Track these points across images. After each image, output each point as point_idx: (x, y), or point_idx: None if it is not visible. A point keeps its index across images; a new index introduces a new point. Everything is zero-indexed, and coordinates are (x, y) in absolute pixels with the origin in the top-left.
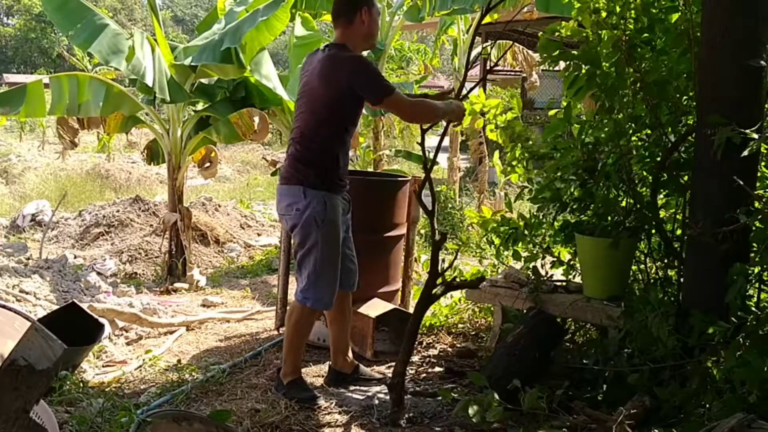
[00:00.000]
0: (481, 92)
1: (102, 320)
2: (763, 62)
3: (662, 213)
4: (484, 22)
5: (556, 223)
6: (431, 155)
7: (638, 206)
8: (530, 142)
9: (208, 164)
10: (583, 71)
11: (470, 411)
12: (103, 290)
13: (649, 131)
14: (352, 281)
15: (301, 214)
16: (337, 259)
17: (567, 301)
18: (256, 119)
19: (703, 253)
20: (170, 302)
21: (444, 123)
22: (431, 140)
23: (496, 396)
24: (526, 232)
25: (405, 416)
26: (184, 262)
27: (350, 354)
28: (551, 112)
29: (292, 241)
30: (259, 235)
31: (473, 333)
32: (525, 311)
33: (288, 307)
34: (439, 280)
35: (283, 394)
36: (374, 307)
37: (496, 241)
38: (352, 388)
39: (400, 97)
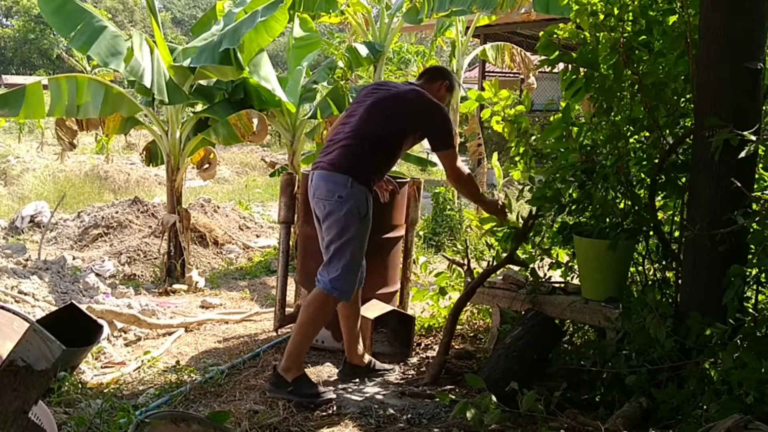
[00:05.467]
0: (496, 81)
1: (101, 321)
2: (760, 64)
3: (660, 215)
4: (481, 23)
5: (554, 225)
6: (431, 158)
7: (636, 208)
8: (534, 139)
9: (206, 166)
10: (581, 73)
11: (468, 414)
12: (102, 291)
13: (647, 133)
14: (363, 279)
15: (342, 203)
16: (363, 255)
17: (565, 303)
18: (255, 121)
19: (701, 255)
20: (169, 303)
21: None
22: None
23: (494, 398)
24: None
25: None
26: (182, 264)
27: (361, 347)
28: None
29: (323, 230)
30: (257, 236)
31: (471, 334)
32: (523, 313)
33: (310, 296)
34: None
35: (290, 392)
36: (373, 309)
37: (494, 243)
38: (351, 389)
39: (456, 156)
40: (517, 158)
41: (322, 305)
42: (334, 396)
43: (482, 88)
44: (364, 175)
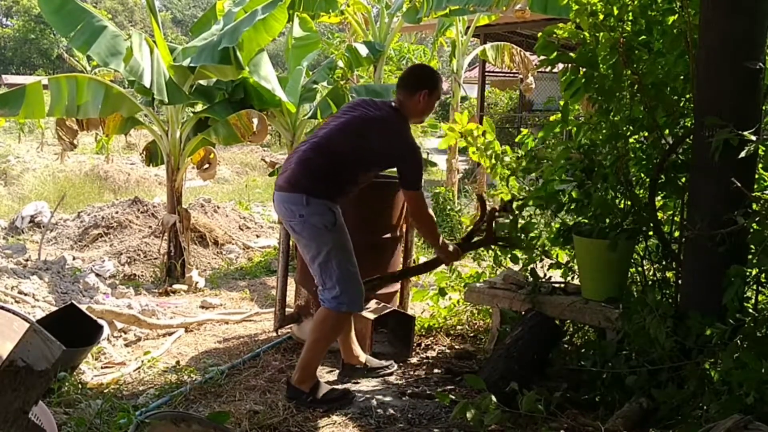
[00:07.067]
0: (465, 115)
1: (101, 322)
2: (760, 64)
3: (660, 215)
4: (481, 23)
5: (554, 225)
6: (431, 158)
7: (636, 208)
8: (507, 159)
9: (207, 165)
10: (581, 73)
11: (468, 414)
12: (102, 291)
13: (646, 133)
14: None
15: (305, 221)
16: (354, 259)
17: (565, 303)
18: (255, 121)
19: (701, 255)
20: (169, 304)
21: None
22: (430, 142)
23: (494, 398)
24: (522, 236)
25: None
26: (182, 264)
27: (357, 347)
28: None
29: (301, 250)
30: (257, 236)
31: (472, 335)
32: (523, 313)
33: (320, 315)
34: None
35: (311, 402)
36: (373, 309)
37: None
38: (351, 390)
39: (423, 198)
40: (497, 180)
41: (335, 322)
42: (351, 391)
43: (483, 88)
44: (321, 191)
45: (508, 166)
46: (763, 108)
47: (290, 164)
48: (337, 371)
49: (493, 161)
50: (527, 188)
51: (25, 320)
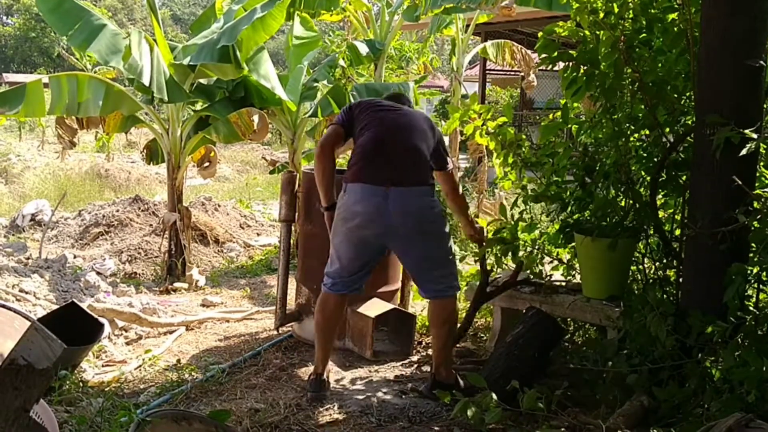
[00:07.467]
0: (474, 95)
1: (102, 320)
2: (761, 62)
3: (661, 213)
4: (481, 21)
5: (555, 224)
6: None
7: (637, 206)
8: (522, 149)
9: (207, 164)
10: (582, 71)
11: (469, 412)
12: (103, 290)
13: (647, 131)
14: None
15: (438, 213)
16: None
17: (566, 301)
18: (256, 119)
19: (702, 253)
20: (170, 302)
21: None
22: None
23: (495, 397)
24: (523, 239)
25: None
26: (183, 262)
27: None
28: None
29: (428, 243)
30: (258, 234)
31: (472, 333)
32: (524, 311)
33: (444, 310)
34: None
35: (459, 390)
36: (373, 307)
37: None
38: (352, 388)
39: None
40: (507, 169)
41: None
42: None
43: (483, 86)
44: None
45: (523, 157)
46: (764, 106)
47: (395, 156)
48: (337, 370)
49: (505, 149)
50: (539, 180)
51: (26, 318)
